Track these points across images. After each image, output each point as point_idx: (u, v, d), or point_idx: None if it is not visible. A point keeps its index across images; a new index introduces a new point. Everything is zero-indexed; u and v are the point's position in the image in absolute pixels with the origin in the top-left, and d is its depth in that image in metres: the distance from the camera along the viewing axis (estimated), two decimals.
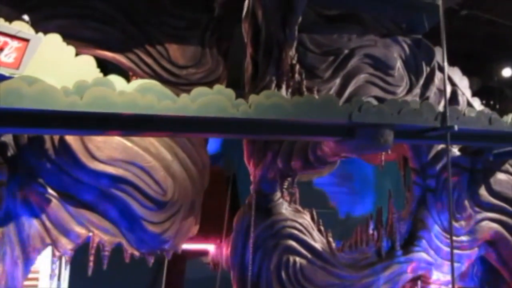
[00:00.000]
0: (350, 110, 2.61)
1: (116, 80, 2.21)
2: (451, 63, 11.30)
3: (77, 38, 2.97)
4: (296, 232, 3.43)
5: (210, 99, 2.28)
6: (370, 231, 4.03)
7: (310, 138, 2.93)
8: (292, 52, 3.50)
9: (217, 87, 2.37)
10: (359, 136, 2.72)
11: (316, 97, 2.74)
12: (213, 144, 8.95)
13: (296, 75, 3.43)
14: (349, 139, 2.74)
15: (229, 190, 8.84)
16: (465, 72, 11.26)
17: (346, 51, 3.99)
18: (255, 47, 3.64)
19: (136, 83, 2.24)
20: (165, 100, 2.24)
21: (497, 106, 8.20)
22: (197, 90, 2.31)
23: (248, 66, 3.67)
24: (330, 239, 3.69)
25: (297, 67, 3.47)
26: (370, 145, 2.72)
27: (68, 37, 2.95)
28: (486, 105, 9.14)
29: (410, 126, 2.84)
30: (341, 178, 10.48)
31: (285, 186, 3.46)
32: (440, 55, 4.58)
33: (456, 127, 2.77)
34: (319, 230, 3.67)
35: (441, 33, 3.19)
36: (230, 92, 2.37)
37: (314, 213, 3.71)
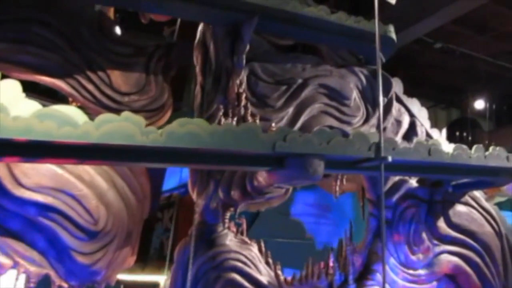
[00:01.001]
0: (274, 139, 2.56)
1: (11, 104, 2.15)
2: (423, 95, 11.46)
3: (14, 63, 2.95)
4: (240, 264, 3.32)
5: (116, 126, 2.21)
6: (331, 263, 3.93)
7: (238, 168, 2.88)
8: (240, 80, 3.47)
9: (125, 113, 2.32)
10: (289, 166, 2.66)
11: (235, 125, 2.67)
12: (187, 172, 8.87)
13: (242, 104, 3.39)
14: (278, 169, 2.69)
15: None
16: (439, 103, 11.39)
17: (299, 81, 3.98)
18: (204, 75, 3.64)
19: (35, 108, 2.19)
20: (65, 126, 2.17)
21: (470, 138, 8.24)
22: (102, 117, 2.25)
23: (198, 95, 3.65)
24: (279, 272, 3.58)
25: (244, 95, 3.44)
26: (299, 176, 2.66)
27: (3, 61, 2.93)
28: (460, 137, 9.20)
29: (342, 156, 2.79)
30: (319, 209, 10.41)
31: (227, 217, 3.38)
32: (398, 86, 4.62)
33: (390, 158, 2.73)
34: (267, 263, 3.57)
35: (377, 60, 3.14)
36: (139, 119, 2.31)
37: (262, 244, 3.61)
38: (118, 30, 3.53)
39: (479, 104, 9.18)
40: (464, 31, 8.81)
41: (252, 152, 2.57)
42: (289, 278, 3.72)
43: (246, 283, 3.31)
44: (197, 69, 3.67)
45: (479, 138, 8.92)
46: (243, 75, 3.68)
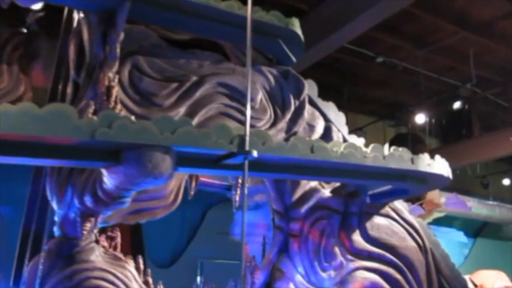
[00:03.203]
0: (94, 126, 2.12)
1: None
2: (371, 111, 11.26)
3: None
4: (105, 284, 2.83)
5: None
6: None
7: (61, 163, 2.41)
8: (114, 74, 3.05)
9: None
10: (125, 161, 2.23)
11: (38, 107, 2.18)
12: None
13: (112, 99, 2.96)
14: (114, 165, 2.26)
15: (133, 241, 8.16)
16: (387, 119, 11.20)
17: (194, 78, 3.58)
18: (77, 69, 3.21)
19: None
20: None
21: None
22: None
23: (69, 89, 3.22)
24: None
25: (116, 89, 3.01)
26: (137, 173, 2.22)
27: None
28: None
29: (196, 151, 2.38)
30: (262, 229, 9.97)
31: (87, 228, 2.90)
32: (312, 88, 4.29)
33: (255, 153, 2.32)
34: (146, 282, 3.09)
35: (248, 48, 2.76)
36: None
37: (141, 261, 3.14)
38: None
39: (420, 119, 9.03)
40: (403, 44, 8.70)
41: (70, 142, 2.12)
42: None
43: None
44: (70, 62, 3.24)
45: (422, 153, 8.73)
46: (125, 69, 3.27)
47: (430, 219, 8.01)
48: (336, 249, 3.83)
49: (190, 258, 8.15)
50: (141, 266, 3.12)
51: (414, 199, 8.00)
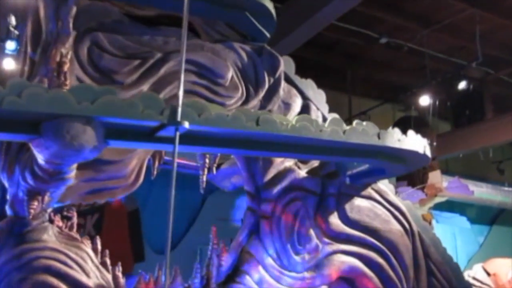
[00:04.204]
0: (2, 95, 1.99)
1: None
2: (376, 94, 10.95)
3: None
4: (57, 264, 2.75)
5: None
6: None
7: None
8: (66, 50, 2.95)
9: None
10: (44, 133, 2.12)
11: None
12: None
13: (62, 75, 2.86)
14: (35, 137, 2.15)
15: (131, 227, 8.15)
16: (395, 103, 10.85)
17: (159, 55, 3.45)
18: (34, 46, 3.12)
19: None
20: None
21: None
22: None
23: (26, 67, 3.13)
24: (119, 274, 3.02)
25: (67, 65, 2.91)
26: (56, 145, 2.10)
27: None
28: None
29: (122, 121, 2.24)
30: None
31: (33, 207, 2.81)
32: (289, 65, 4.11)
33: (187, 124, 2.17)
34: (104, 264, 3.01)
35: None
36: None
37: (99, 243, 3.05)
38: None
39: (424, 101, 8.69)
40: (408, 23, 8.38)
41: None
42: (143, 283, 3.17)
43: (63, 286, 2.74)
44: (27, 39, 3.15)
45: (428, 137, 8.43)
46: (84, 46, 3.17)
47: (431, 204, 7.75)
48: (311, 232, 3.67)
49: (190, 244, 8.08)
50: (99, 247, 3.03)
51: (418, 182, 7.76)
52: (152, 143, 2.39)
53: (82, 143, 2.16)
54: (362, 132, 2.85)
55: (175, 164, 1.99)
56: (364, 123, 2.97)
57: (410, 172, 8.73)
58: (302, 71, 4.22)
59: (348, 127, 2.84)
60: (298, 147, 2.78)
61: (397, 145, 3.03)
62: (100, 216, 7.72)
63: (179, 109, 2.13)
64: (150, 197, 8.40)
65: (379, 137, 2.93)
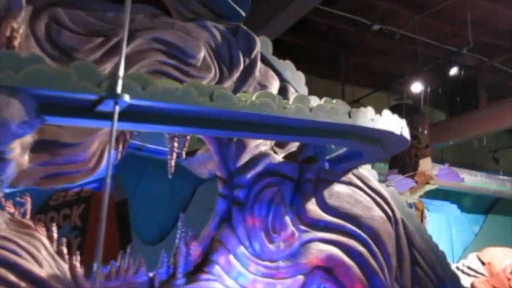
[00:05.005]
0: None
1: None
2: (371, 82, 10.75)
3: None
4: (5, 253, 2.58)
5: None
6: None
7: None
8: (17, 24, 2.77)
9: None
10: None
11: None
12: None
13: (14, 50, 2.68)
14: None
15: (119, 217, 7.97)
16: (378, 89, 10.70)
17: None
18: None
19: None
20: None
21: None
22: None
23: None
24: (76, 264, 2.85)
25: (17, 41, 2.73)
26: None
27: None
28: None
29: (55, 94, 2.05)
30: None
31: None
32: (266, 46, 3.93)
33: (127, 98, 1.98)
34: (59, 252, 2.84)
35: None
36: None
37: (54, 230, 2.88)
38: None
39: (416, 88, 8.50)
40: (400, 9, 8.17)
41: None
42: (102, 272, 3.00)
43: (11, 277, 2.57)
44: None
45: (420, 124, 8.27)
46: (41, 22, 2.99)
47: (421, 192, 7.60)
48: (287, 219, 3.51)
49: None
50: (54, 235, 2.86)
51: (410, 171, 7.59)
52: (94, 119, 2.20)
53: (6, 117, 1.98)
54: (331, 110, 2.67)
55: (112, 145, 1.81)
56: (334, 100, 2.79)
57: (397, 159, 8.57)
58: (293, 59, 4.05)
59: (315, 105, 2.65)
60: (259, 126, 2.58)
61: (370, 124, 2.85)
62: (86, 207, 7.56)
63: (120, 81, 1.94)
64: (139, 188, 8.23)
65: (350, 116, 2.75)
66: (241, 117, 2.47)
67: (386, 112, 3.00)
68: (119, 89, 1.92)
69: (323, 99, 2.75)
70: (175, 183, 9.00)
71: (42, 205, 6.61)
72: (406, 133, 3.17)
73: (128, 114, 2.09)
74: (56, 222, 7.34)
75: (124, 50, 2.04)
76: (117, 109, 1.89)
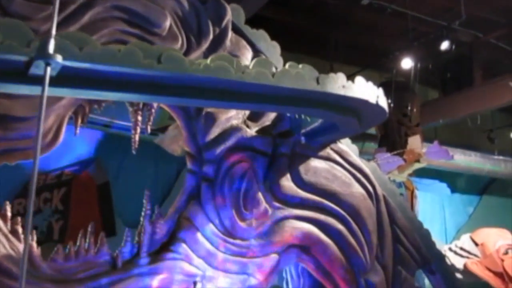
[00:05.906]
0: None
1: None
2: (363, 60, 10.46)
3: None
4: None
5: None
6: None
7: None
8: None
9: None
10: None
11: None
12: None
13: None
14: None
15: (101, 200, 7.82)
16: (367, 67, 10.46)
17: (82, 0, 3.07)
18: None
19: None
20: None
21: (389, 100, 7.39)
22: None
23: None
24: (33, 244, 2.70)
25: None
26: None
27: None
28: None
29: None
30: None
31: None
32: (238, 14, 3.72)
33: (59, 58, 1.78)
34: (14, 232, 2.69)
35: None
36: None
37: (8, 209, 2.72)
38: None
39: (406, 64, 8.28)
40: None
41: None
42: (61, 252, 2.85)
43: None
44: None
45: (411, 102, 8.07)
46: None
47: (410, 171, 7.43)
48: (260, 195, 3.35)
49: None
50: (8, 214, 2.70)
51: (399, 148, 7.43)
52: (26, 84, 2.01)
53: None
54: (297, 75, 2.47)
55: (42, 114, 1.62)
56: (300, 65, 2.59)
57: (387, 138, 8.36)
58: (278, 36, 3.85)
59: (278, 70, 2.46)
60: (214, 92, 2.38)
61: (341, 92, 2.66)
62: (67, 190, 7.42)
63: (52, 40, 1.76)
64: (121, 169, 8.07)
65: (318, 82, 2.55)
66: (193, 82, 2.28)
67: (360, 79, 2.81)
68: (51, 49, 1.73)
69: (288, 63, 2.56)
70: (159, 166, 8.84)
71: (22, 189, 6.46)
72: (383, 103, 2.98)
73: (64, 78, 1.90)
74: (36, 205, 7.21)
75: (57, 5, 1.83)
76: (49, 71, 1.70)
